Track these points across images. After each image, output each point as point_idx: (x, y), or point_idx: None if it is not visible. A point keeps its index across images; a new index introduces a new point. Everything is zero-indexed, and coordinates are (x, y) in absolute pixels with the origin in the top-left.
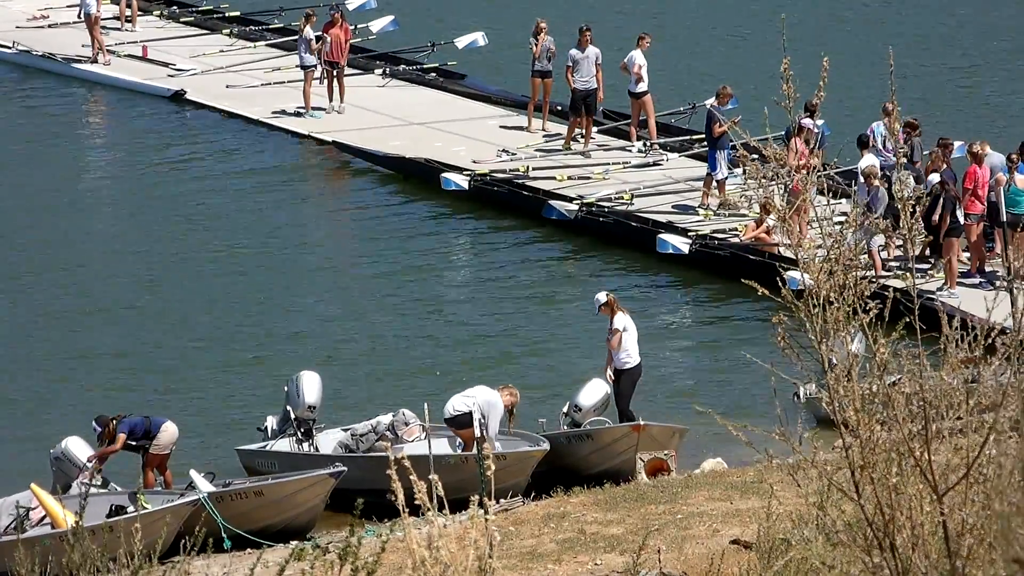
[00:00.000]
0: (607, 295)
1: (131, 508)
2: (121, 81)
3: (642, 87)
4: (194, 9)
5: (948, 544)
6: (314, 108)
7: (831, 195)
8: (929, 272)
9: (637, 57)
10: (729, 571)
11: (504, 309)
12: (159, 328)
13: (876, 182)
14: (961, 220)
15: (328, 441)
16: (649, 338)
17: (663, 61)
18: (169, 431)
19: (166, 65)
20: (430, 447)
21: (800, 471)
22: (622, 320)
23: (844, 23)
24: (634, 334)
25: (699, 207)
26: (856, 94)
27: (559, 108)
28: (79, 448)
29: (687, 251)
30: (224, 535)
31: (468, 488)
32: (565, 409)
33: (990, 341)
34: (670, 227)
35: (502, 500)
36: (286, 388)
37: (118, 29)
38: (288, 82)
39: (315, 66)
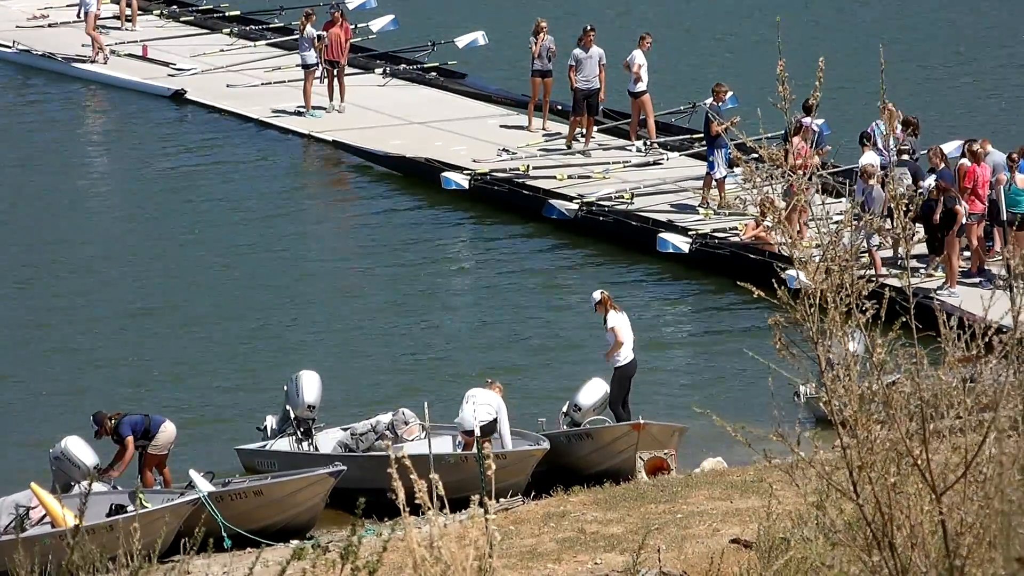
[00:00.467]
0: (601, 293)
1: (131, 507)
2: (121, 81)
3: (641, 87)
4: (194, 8)
5: (947, 543)
6: (314, 107)
7: (829, 194)
8: (929, 271)
9: (637, 57)
10: (729, 570)
11: (504, 308)
12: (159, 327)
13: (873, 181)
14: (964, 219)
15: (328, 440)
16: (649, 337)
17: (663, 60)
18: (167, 431)
19: (166, 65)
20: (430, 446)
21: (799, 471)
22: (615, 318)
23: (845, 23)
24: (629, 332)
25: (699, 206)
26: (857, 93)
27: (559, 107)
28: (79, 448)
29: (687, 250)
30: (224, 534)
31: (468, 487)
32: (565, 408)
33: (988, 340)
34: (670, 226)
35: (502, 499)
36: (286, 387)
37: (118, 28)
38: (288, 81)
39: (316, 65)
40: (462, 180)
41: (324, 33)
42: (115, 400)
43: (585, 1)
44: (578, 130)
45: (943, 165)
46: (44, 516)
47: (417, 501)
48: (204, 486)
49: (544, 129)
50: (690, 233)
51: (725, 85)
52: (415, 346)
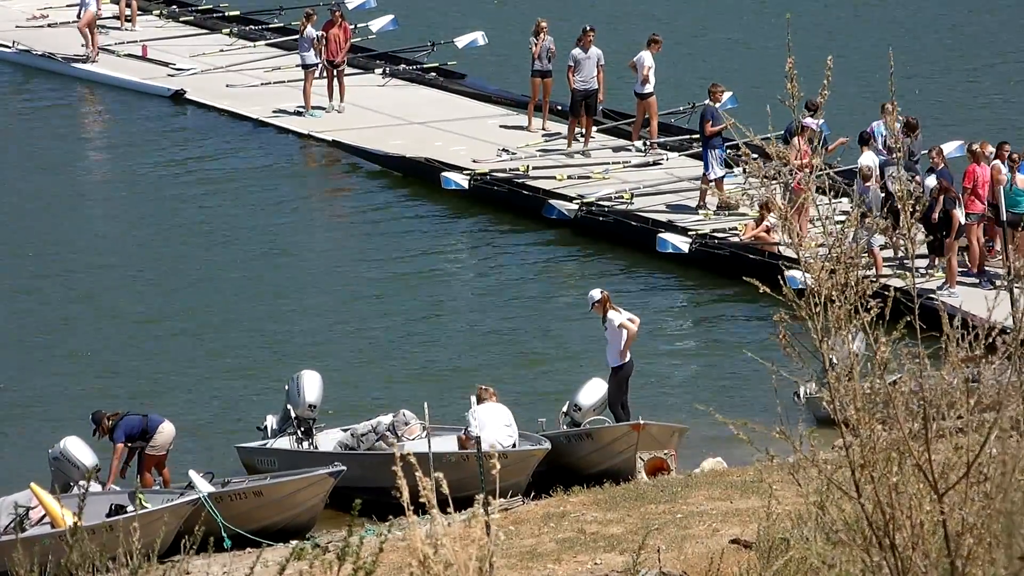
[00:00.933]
0: (602, 292)
1: (130, 507)
2: (121, 81)
3: (648, 88)
4: (194, 8)
5: (948, 543)
6: (314, 107)
7: (832, 194)
8: (929, 271)
9: (646, 59)
10: (729, 570)
11: (504, 308)
12: (159, 327)
13: (872, 182)
14: (962, 220)
15: (328, 441)
16: (649, 337)
17: (663, 60)
18: (166, 432)
19: (166, 65)
20: (430, 446)
21: (800, 470)
22: (619, 317)
23: (846, 22)
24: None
25: (697, 207)
26: (858, 93)
27: (559, 108)
28: (78, 448)
29: (687, 250)
30: (224, 534)
31: (469, 486)
32: (565, 408)
33: (990, 340)
34: (670, 226)
35: (502, 499)
36: (287, 387)
37: (118, 29)
38: (288, 82)
39: (316, 65)
40: (462, 180)
41: (323, 33)
42: (116, 400)
43: (585, 1)
44: (578, 130)
45: (943, 165)
46: (44, 516)
47: (421, 500)
48: (204, 486)
49: (544, 129)
50: (690, 233)
51: (721, 85)
52: (415, 346)
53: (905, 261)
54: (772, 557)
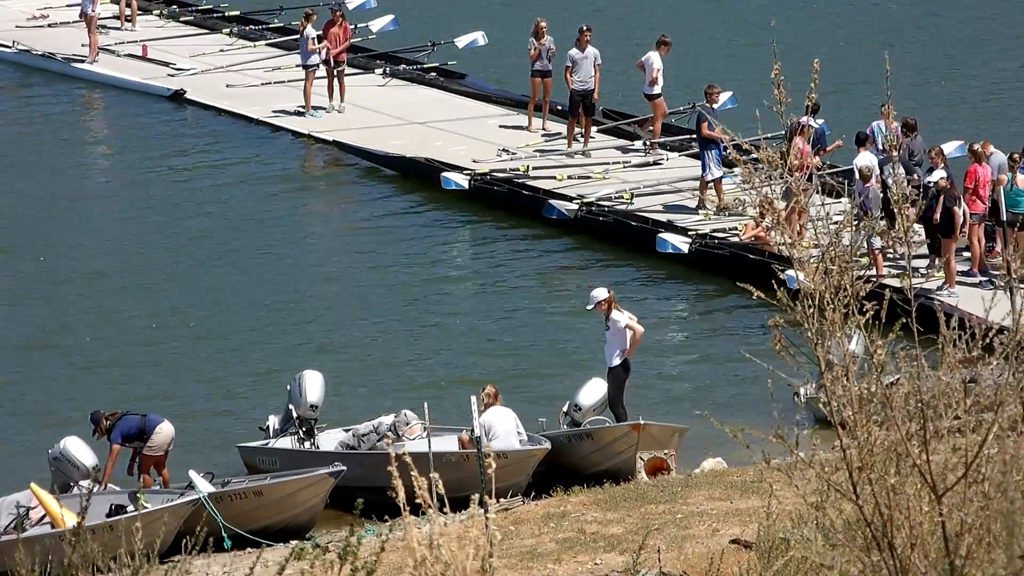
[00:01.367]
0: (608, 292)
1: (131, 508)
2: (121, 81)
3: (656, 90)
4: (194, 8)
5: (947, 544)
6: (314, 107)
7: (829, 194)
8: (928, 271)
9: (655, 60)
10: (729, 570)
11: (504, 308)
12: (160, 327)
13: (871, 182)
14: (962, 220)
15: (330, 441)
16: (649, 337)
17: (667, 60)
18: (164, 432)
19: (166, 65)
20: (430, 445)
21: (798, 472)
22: (622, 318)
23: (848, 22)
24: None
25: (697, 208)
26: (859, 92)
27: (559, 108)
28: (78, 448)
29: (687, 250)
30: (224, 535)
31: (468, 487)
32: (565, 408)
33: (988, 341)
34: (670, 226)
35: (502, 499)
36: (288, 387)
37: (118, 28)
38: (288, 82)
39: (317, 66)
40: (462, 180)
41: (320, 33)
42: (116, 401)
43: (587, 1)
44: (577, 130)
45: (943, 165)
46: (44, 516)
47: (417, 500)
48: (204, 486)
49: (544, 129)
50: (689, 233)
51: (718, 87)
52: (415, 346)
53: (901, 261)
54: (772, 557)
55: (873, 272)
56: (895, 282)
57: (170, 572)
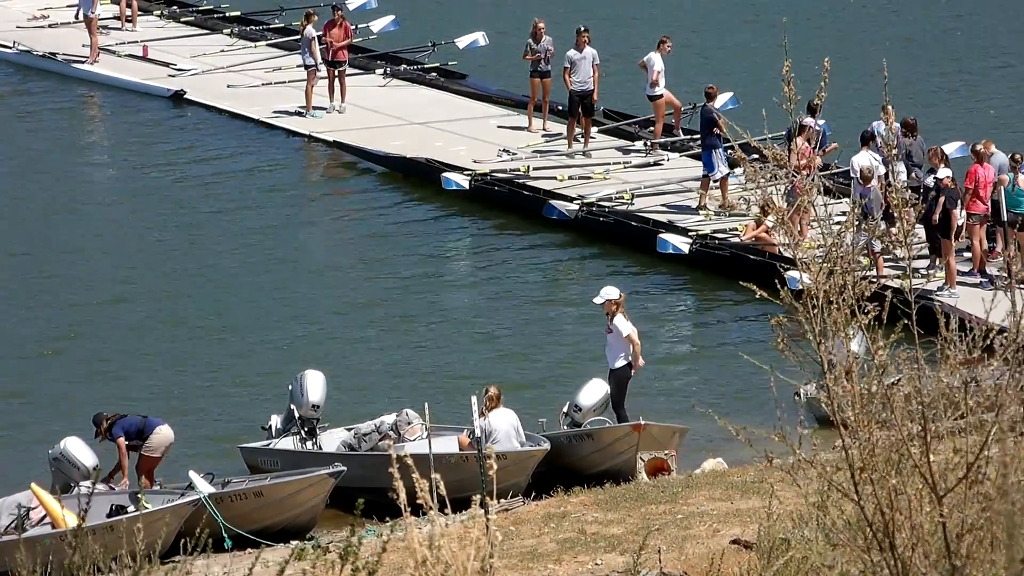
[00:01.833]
0: (620, 294)
1: (131, 508)
2: (121, 81)
3: (658, 91)
4: (194, 9)
5: (948, 544)
6: (315, 108)
7: (832, 195)
8: (928, 271)
9: (655, 61)
10: (729, 571)
11: (504, 308)
12: (161, 327)
13: (873, 182)
14: (962, 220)
15: (332, 441)
16: (649, 337)
17: (669, 61)
18: (162, 433)
19: (167, 65)
20: (430, 446)
21: (800, 471)
22: (626, 327)
23: (850, 21)
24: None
25: (699, 208)
26: (860, 92)
27: (560, 108)
28: (78, 449)
29: (687, 251)
30: (225, 535)
31: (469, 487)
32: (565, 409)
33: (989, 342)
34: (670, 227)
35: (502, 500)
36: (290, 387)
37: (118, 29)
38: (289, 82)
39: (317, 66)
40: (462, 180)
41: (320, 34)
42: (117, 401)
43: (588, 2)
44: (577, 131)
45: (943, 166)
46: (44, 517)
47: (419, 501)
48: (204, 487)
49: (544, 130)
50: (690, 234)
51: (716, 87)
52: (416, 346)
53: (902, 262)
54: (773, 557)
55: (874, 273)
56: (896, 283)
57: (171, 573)
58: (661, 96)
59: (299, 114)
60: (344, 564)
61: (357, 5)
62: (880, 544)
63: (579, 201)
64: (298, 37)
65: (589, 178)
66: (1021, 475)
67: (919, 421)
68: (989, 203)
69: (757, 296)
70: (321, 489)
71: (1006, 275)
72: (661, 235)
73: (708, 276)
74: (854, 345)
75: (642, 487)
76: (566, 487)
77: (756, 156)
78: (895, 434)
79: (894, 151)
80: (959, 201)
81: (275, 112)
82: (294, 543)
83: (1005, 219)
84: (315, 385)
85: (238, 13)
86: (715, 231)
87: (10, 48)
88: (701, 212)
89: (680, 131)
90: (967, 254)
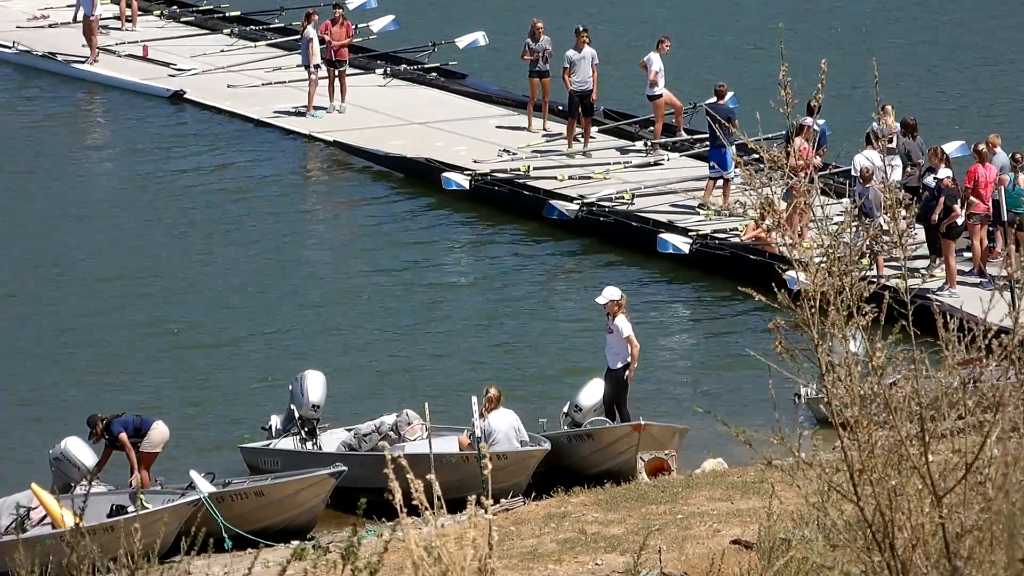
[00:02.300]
0: (621, 295)
1: (131, 508)
2: (121, 81)
3: (657, 91)
4: (194, 9)
5: (947, 545)
6: (315, 108)
7: (831, 195)
8: (927, 272)
9: (655, 61)
10: (730, 571)
11: (504, 308)
12: (162, 327)
13: (873, 182)
14: (961, 220)
15: (332, 441)
16: (649, 338)
17: (670, 61)
18: (160, 430)
19: (167, 65)
20: (431, 447)
21: (800, 472)
22: (626, 328)
23: (846, 24)
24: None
25: (699, 207)
26: (858, 95)
27: (560, 108)
28: (78, 449)
29: (687, 251)
30: (225, 535)
31: (470, 487)
32: (565, 409)
33: (988, 342)
34: (671, 227)
35: (503, 500)
36: (290, 387)
37: (119, 29)
38: (289, 82)
39: (318, 66)
40: (463, 180)
41: (320, 35)
42: (117, 401)
43: (589, 2)
44: (577, 131)
45: (944, 166)
46: (44, 517)
47: (414, 502)
48: (205, 487)
49: (545, 130)
50: (690, 234)
51: (724, 85)
52: (416, 346)
53: (899, 263)
54: (773, 558)
55: (873, 273)
56: (896, 283)
57: (168, 573)
58: (660, 96)
59: (299, 114)
60: (345, 564)
61: (357, 5)
62: (880, 545)
63: (579, 201)
64: (298, 37)
65: (589, 178)
66: (1021, 475)
67: (918, 422)
68: (990, 203)
69: (757, 299)
70: (322, 489)
71: (1006, 275)
72: (661, 235)
73: (708, 276)
74: (853, 346)
75: (642, 487)
76: (566, 487)
77: (754, 158)
78: (894, 435)
79: (890, 145)
80: (959, 200)
81: (275, 112)
82: (294, 543)
83: (1005, 219)
84: (315, 385)
85: (238, 13)
86: (715, 231)
87: (10, 48)
88: (701, 212)
89: (683, 131)
90: (967, 254)
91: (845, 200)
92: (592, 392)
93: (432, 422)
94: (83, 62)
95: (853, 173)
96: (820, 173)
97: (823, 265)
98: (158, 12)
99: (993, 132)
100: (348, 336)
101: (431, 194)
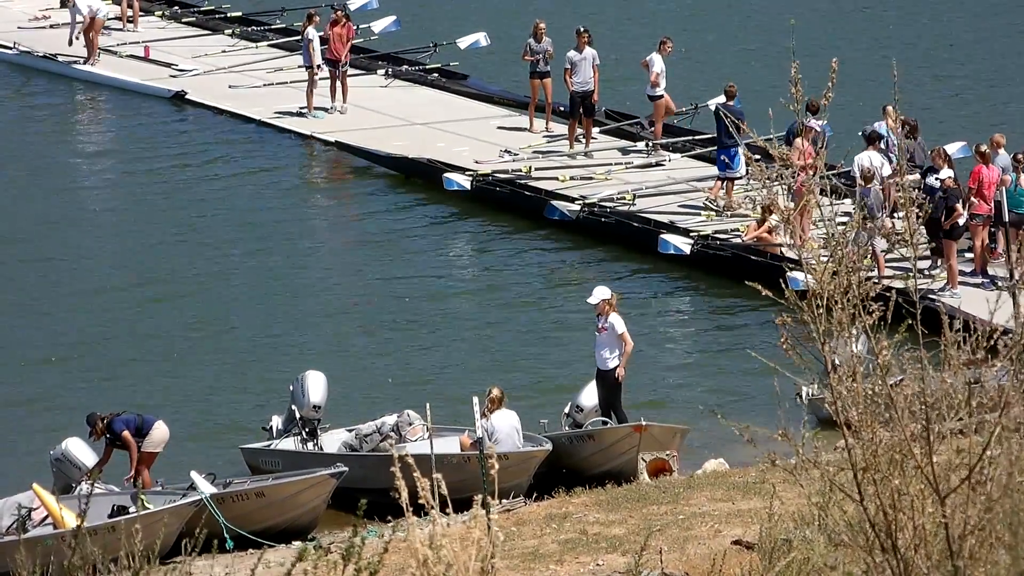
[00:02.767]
0: (611, 294)
1: (132, 508)
2: (121, 82)
3: (658, 91)
4: (196, 9)
5: (950, 545)
6: (316, 108)
7: (835, 195)
8: (929, 272)
9: (656, 62)
10: (731, 571)
11: (505, 309)
12: (162, 328)
13: (874, 183)
14: (963, 220)
15: (333, 442)
16: (650, 338)
17: (671, 61)
18: (161, 429)
19: (168, 66)
20: (432, 447)
21: (802, 472)
22: (620, 325)
23: (852, 22)
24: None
25: (707, 201)
26: (863, 93)
27: (562, 108)
28: (79, 449)
29: (688, 251)
30: (226, 535)
31: (471, 488)
32: (567, 410)
33: (992, 343)
34: (672, 227)
35: (504, 500)
36: (291, 388)
37: (120, 30)
38: (290, 82)
39: (320, 66)
40: (464, 181)
41: (321, 35)
42: (118, 402)
43: (589, 3)
44: (579, 131)
45: (946, 166)
46: (46, 517)
47: (420, 501)
48: (206, 487)
49: (546, 130)
50: (692, 234)
51: (734, 85)
52: (417, 346)
53: (902, 263)
54: (774, 558)
55: (875, 273)
56: (898, 283)
57: (171, 573)
58: (661, 96)
59: (300, 114)
60: (346, 565)
61: (359, 5)
62: (882, 545)
63: (580, 201)
64: (299, 38)
65: (590, 178)
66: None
67: (922, 422)
68: (993, 204)
69: (760, 296)
70: (323, 490)
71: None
72: (662, 236)
73: (709, 277)
74: (857, 345)
75: (643, 488)
76: (567, 488)
77: (759, 157)
78: (898, 434)
79: (902, 145)
80: (961, 201)
81: (276, 113)
82: (295, 544)
83: (1007, 219)
84: (316, 385)
85: (239, 14)
86: (716, 232)
87: (11, 49)
88: (702, 212)
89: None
90: (968, 255)
91: (847, 200)
92: (593, 393)
93: (433, 422)
94: (84, 62)
95: (855, 174)
96: (824, 174)
97: (829, 264)
98: (159, 13)
99: (998, 132)
100: (349, 336)
101: (432, 195)
